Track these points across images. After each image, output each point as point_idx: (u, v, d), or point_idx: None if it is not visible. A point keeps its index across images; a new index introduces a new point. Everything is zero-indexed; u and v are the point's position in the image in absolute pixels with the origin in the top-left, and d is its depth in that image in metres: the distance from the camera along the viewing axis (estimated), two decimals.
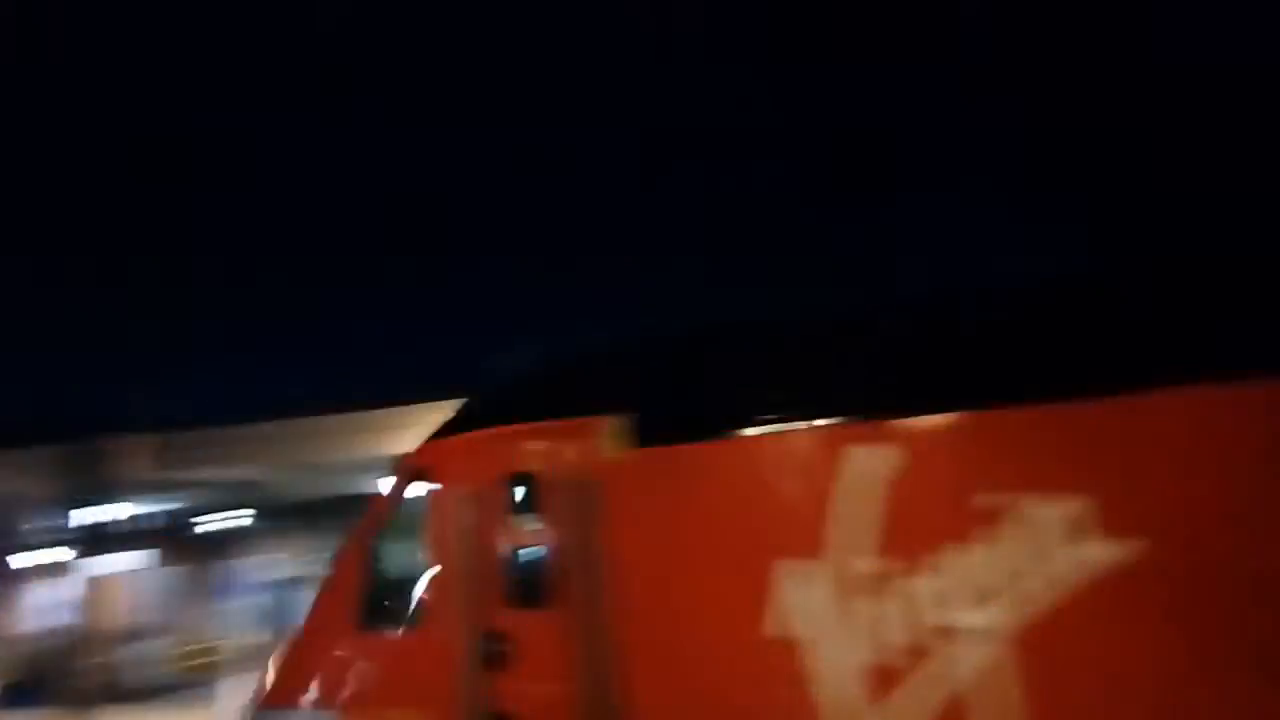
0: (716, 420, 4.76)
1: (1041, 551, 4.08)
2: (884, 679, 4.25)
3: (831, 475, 4.44)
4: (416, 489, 5.58)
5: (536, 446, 5.22)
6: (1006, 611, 4.07)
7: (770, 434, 4.63)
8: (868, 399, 4.48)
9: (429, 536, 5.43)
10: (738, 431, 4.70)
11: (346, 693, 5.37)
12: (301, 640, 5.74)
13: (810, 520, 4.46)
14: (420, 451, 5.65)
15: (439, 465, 5.48)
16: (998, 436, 4.20)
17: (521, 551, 5.19)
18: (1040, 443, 4.14)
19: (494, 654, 5.02)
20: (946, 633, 4.17)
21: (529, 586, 5.10)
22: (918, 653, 4.22)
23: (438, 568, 5.34)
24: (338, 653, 5.49)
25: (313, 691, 5.49)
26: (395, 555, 5.72)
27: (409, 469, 5.65)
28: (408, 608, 5.47)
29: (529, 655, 4.96)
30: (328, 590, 5.76)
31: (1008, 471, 4.16)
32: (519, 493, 5.26)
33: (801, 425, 4.56)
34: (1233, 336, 3.94)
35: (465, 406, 5.81)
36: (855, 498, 4.39)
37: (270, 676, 5.81)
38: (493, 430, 5.36)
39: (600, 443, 5.07)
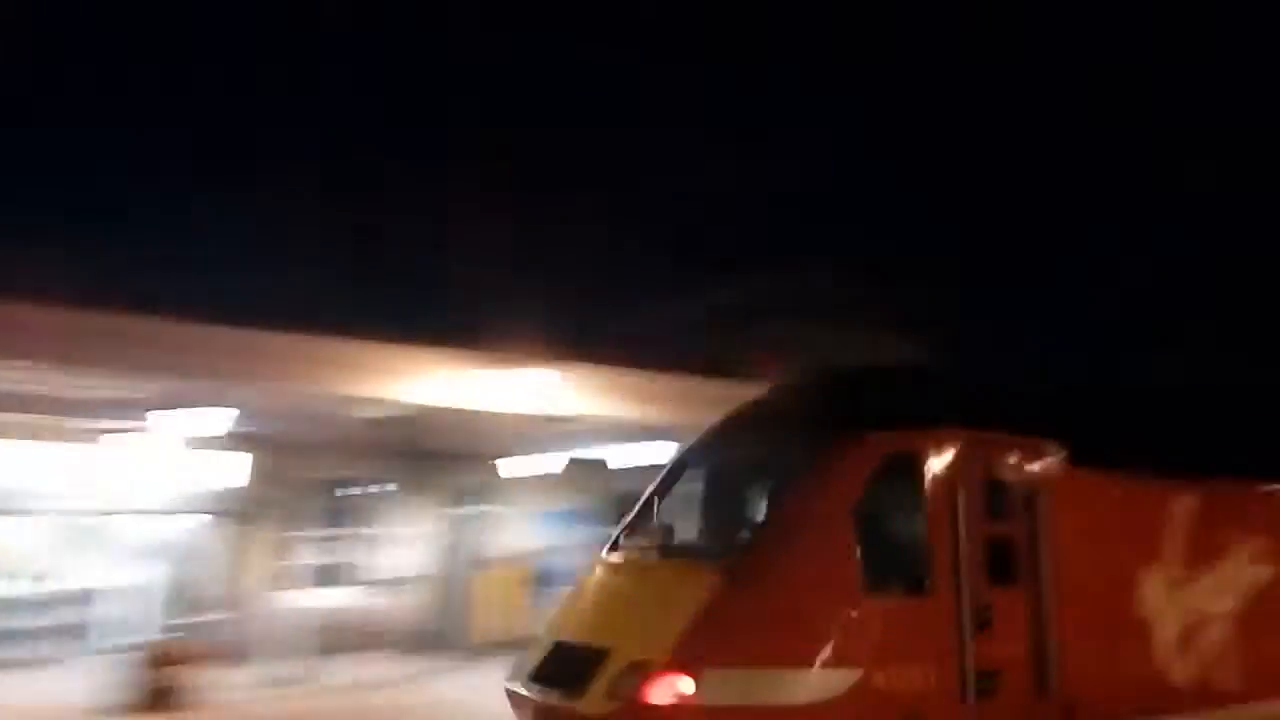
0: (1138, 461, 6.86)
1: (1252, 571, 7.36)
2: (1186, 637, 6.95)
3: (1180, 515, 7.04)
4: (897, 470, 6.16)
5: (1008, 455, 6.48)
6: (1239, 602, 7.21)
7: (1163, 480, 6.95)
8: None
9: (925, 516, 6.11)
10: (1145, 472, 6.88)
11: (863, 651, 5.69)
12: (789, 602, 5.69)
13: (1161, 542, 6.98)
14: (900, 438, 6.22)
15: (924, 455, 6.21)
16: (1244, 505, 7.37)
17: (995, 538, 6.36)
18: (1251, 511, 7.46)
19: (984, 621, 6.12)
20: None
21: (1004, 568, 6.33)
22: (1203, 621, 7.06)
23: (935, 544, 6.09)
24: (849, 614, 5.72)
25: (825, 651, 5.61)
26: (885, 527, 6.12)
27: (888, 451, 6.16)
28: (909, 576, 6.03)
29: (1003, 623, 6.22)
30: (811, 552, 5.84)
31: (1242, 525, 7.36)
32: (995, 489, 6.41)
33: (1194, 480, 7.04)
34: None
35: (907, 400, 6.55)
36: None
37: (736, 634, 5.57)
38: (970, 433, 6.37)
39: (1049, 458, 6.64)
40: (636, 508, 7.25)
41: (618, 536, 7.08)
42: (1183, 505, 7.20)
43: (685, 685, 5.40)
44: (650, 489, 7.35)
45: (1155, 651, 6.90)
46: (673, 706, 5.36)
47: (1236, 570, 7.40)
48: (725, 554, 6.17)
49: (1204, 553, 7.23)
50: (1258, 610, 7.38)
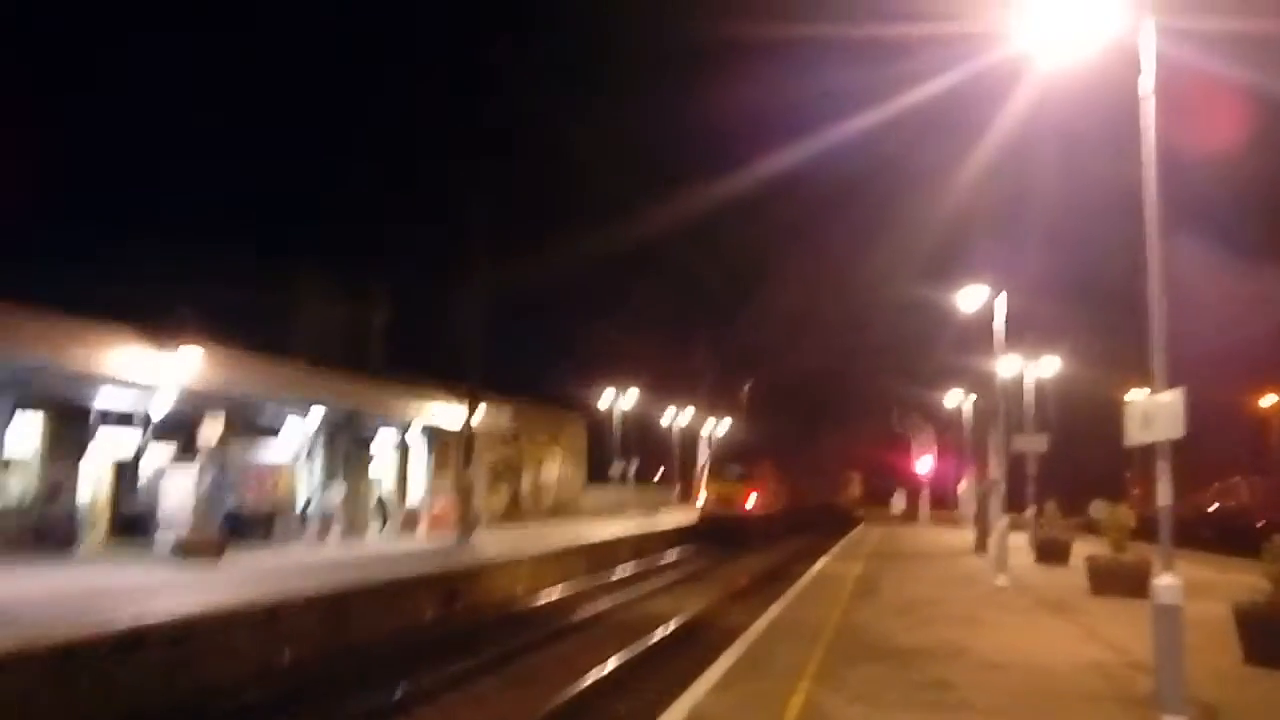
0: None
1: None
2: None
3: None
4: (762, 472, 40.84)
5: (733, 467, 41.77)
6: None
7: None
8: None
9: (765, 475, 40.92)
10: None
11: (772, 492, 40.29)
12: (763, 487, 39.71)
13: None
14: (764, 469, 40.95)
15: (764, 470, 41.00)
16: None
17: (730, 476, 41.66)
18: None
19: (768, 487, 41.29)
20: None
21: (746, 479, 41.58)
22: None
23: (758, 477, 40.90)
24: (767, 489, 40.03)
25: (766, 492, 40.01)
26: (767, 475, 40.55)
27: (766, 470, 40.77)
28: (770, 481, 40.64)
29: (771, 486, 41.45)
30: (767, 479, 39.83)
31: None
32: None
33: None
34: None
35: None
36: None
37: None
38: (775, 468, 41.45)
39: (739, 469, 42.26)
40: (708, 468, 40.89)
41: (714, 472, 40.51)
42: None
43: (750, 501, 39.35)
44: (708, 466, 41.11)
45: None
46: (749, 505, 39.40)
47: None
48: (744, 481, 39.95)
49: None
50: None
